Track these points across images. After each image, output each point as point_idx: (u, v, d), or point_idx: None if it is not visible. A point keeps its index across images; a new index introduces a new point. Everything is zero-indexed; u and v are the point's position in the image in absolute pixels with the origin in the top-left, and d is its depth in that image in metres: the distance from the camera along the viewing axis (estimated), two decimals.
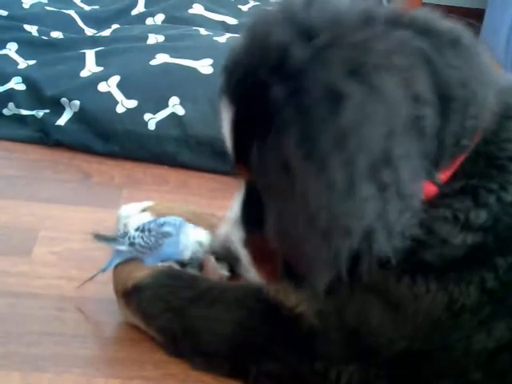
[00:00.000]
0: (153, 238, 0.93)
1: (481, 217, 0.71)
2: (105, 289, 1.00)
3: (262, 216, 0.74)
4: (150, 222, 0.96)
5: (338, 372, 0.81)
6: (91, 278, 0.98)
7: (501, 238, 0.71)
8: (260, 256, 0.82)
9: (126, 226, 1.10)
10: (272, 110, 0.68)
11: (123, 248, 0.95)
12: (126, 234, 0.97)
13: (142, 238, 0.93)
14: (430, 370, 0.77)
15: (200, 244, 0.95)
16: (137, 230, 0.96)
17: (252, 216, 0.80)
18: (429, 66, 0.69)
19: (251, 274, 0.85)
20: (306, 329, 0.81)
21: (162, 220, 0.96)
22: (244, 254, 0.84)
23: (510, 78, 0.80)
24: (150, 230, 0.94)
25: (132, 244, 0.94)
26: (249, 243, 0.83)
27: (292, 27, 0.70)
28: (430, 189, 0.72)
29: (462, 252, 0.71)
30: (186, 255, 0.96)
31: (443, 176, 0.72)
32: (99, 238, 0.99)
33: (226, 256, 0.87)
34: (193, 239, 0.95)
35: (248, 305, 0.87)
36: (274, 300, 0.84)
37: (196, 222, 1.07)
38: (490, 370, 0.74)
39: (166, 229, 0.94)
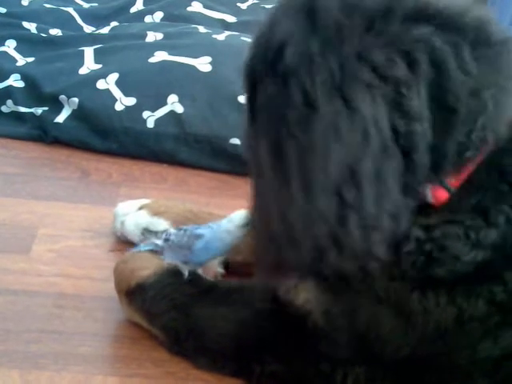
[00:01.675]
0: (186, 238, 0.94)
1: (491, 236, 0.71)
2: (103, 286, 1.00)
3: None
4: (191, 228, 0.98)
5: (344, 374, 0.81)
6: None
7: (509, 256, 0.71)
8: None
9: (122, 223, 1.10)
10: (256, 109, 0.69)
11: (158, 242, 0.97)
12: (166, 228, 0.99)
13: (177, 235, 0.95)
14: (433, 375, 0.77)
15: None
16: (176, 228, 0.98)
17: None
18: (437, 72, 0.65)
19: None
20: (311, 328, 0.81)
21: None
22: None
23: None
24: (185, 230, 0.96)
25: (166, 240, 0.96)
26: None
27: (298, 16, 0.66)
28: (440, 194, 0.71)
29: (472, 268, 0.71)
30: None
31: (452, 184, 0.71)
32: None
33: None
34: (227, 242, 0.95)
35: (254, 305, 0.87)
36: (283, 298, 0.84)
37: (194, 220, 1.07)
38: (496, 377, 0.74)
39: (200, 231, 0.95)
